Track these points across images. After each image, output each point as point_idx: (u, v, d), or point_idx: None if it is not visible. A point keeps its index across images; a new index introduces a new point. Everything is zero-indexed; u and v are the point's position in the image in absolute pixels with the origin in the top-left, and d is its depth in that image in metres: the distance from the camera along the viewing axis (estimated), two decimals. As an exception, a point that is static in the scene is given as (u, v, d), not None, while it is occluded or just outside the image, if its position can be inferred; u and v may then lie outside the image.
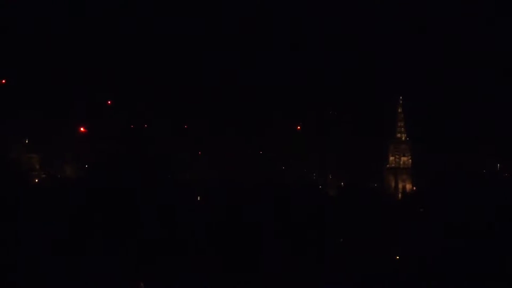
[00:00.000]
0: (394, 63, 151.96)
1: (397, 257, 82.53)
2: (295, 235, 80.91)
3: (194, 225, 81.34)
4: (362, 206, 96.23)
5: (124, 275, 70.71)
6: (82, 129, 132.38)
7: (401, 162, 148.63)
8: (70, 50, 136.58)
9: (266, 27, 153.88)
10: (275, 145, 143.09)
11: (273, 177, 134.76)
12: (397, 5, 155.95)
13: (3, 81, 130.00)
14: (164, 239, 76.90)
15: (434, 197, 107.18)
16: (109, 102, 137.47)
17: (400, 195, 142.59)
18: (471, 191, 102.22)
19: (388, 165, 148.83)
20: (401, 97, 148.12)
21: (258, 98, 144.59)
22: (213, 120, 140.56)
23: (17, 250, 70.69)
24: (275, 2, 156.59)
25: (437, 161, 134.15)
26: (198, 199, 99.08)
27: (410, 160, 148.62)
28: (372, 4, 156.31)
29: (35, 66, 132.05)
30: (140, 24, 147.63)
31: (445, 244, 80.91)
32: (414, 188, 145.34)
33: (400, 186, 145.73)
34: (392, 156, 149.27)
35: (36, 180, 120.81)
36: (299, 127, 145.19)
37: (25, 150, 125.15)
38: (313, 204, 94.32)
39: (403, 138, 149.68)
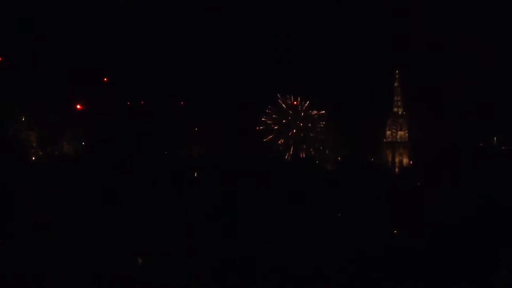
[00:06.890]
0: (390, 36, 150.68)
1: (395, 231, 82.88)
2: (292, 210, 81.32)
3: (191, 201, 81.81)
4: (359, 180, 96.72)
5: (126, 252, 71.02)
6: (78, 106, 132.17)
7: (398, 136, 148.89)
8: (67, 26, 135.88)
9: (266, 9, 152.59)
10: (272, 121, 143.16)
11: (270, 153, 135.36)
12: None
13: (0, 58, 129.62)
14: (163, 215, 77.29)
15: (431, 171, 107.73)
16: (105, 79, 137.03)
17: (397, 169, 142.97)
18: (467, 164, 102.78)
19: (385, 140, 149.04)
20: (397, 71, 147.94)
21: (256, 74, 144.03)
22: (209, 96, 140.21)
23: (15, 227, 70.89)
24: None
25: (434, 135, 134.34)
26: (195, 175, 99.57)
27: (407, 134, 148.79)
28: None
29: (31, 43, 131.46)
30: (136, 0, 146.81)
31: (441, 218, 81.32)
32: (411, 162, 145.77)
33: (397, 160, 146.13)
34: (389, 130, 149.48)
35: (33, 158, 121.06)
36: (295, 103, 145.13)
37: (22, 128, 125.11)
38: (310, 178, 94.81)
39: (400, 113, 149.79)
